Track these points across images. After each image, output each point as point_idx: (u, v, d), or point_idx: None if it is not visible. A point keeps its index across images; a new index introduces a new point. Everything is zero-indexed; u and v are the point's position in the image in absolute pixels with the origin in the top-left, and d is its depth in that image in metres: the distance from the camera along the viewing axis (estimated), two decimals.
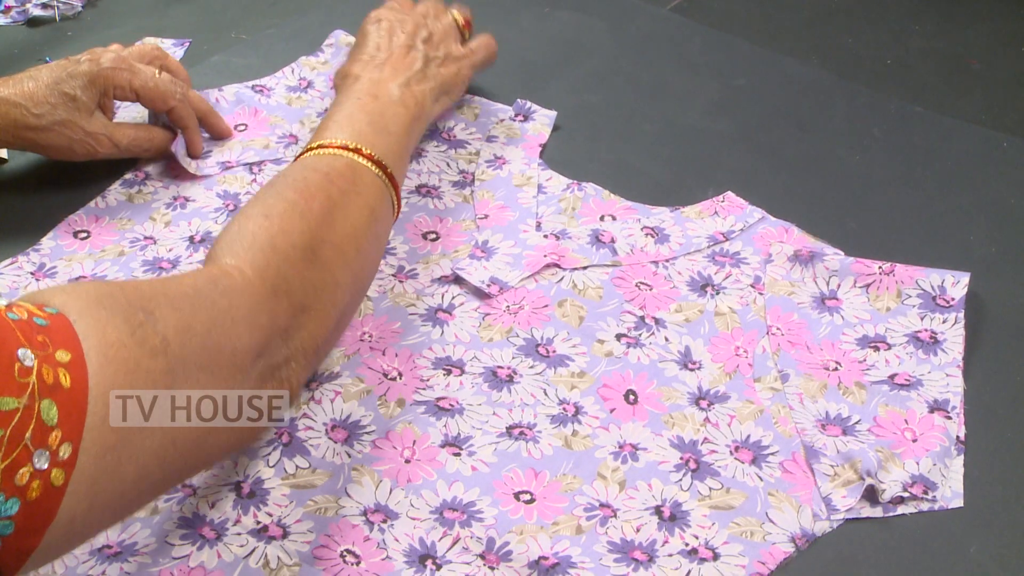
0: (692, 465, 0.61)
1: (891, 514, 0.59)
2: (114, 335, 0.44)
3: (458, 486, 0.60)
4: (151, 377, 0.45)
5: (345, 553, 0.57)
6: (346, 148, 0.65)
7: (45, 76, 0.75)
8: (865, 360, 0.67)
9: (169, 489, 0.57)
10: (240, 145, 0.85)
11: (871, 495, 0.59)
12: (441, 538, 0.58)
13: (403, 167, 0.71)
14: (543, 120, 0.87)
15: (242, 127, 0.87)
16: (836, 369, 0.66)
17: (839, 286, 0.71)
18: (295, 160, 0.66)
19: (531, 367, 0.67)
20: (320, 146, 0.66)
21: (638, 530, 0.58)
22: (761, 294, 0.71)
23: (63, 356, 0.41)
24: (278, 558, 0.56)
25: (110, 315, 0.45)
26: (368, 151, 0.65)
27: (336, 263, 0.59)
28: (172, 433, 0.47)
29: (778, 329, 0.69)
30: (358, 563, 0.56)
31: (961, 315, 0.68)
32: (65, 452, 0.41)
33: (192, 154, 0.82)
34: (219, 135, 0.85)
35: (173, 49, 1.00)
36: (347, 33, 0.95)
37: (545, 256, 0.73)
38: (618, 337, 0.68)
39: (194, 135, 0.82)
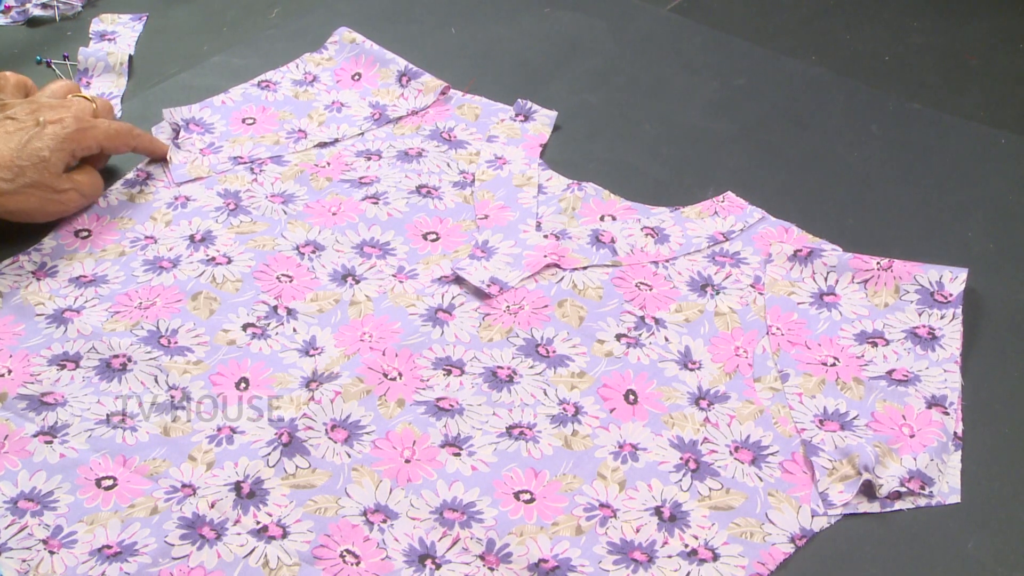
0: (692, 465, 0.62)
1: (888, 510, 0.59)
2: None
3: (458, 486, 0.60)
4: None
5: (345, 553, 0.57)
6: None
7: (7, 139, 0.72)
8: (863, 356, 0.67)
9: None
10: (251, 141, 0.85)
11: (868, 490, 0.60)
12: (441, 538, 0.58)
13: None
14: (544, 120, 0.87)
15: (250, 120, 0.87)
16: (834, 365, 0.67)
17: (837, 282, 0.71)
18: None
19: (531, 367, 0.67)
20: None
21: (638, 531, 0.58)
22: (761, 294, 0.71)
23: None
24: (278, 558, 0.57)
25: None
26: None
27: None
28: None
29: (778, 329, 0.69)
30: (358, 563, 0.57)
31: (959, 311, 0.68)
32: None
33: (162, 152, 0.83)
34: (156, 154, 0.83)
35: (131, 23, 1.00)
36: (350, 30, 0.95)
37: (545, 256, 0.73)
38: (618, 337, 0.69)
39: (153, 142, 0.83)
